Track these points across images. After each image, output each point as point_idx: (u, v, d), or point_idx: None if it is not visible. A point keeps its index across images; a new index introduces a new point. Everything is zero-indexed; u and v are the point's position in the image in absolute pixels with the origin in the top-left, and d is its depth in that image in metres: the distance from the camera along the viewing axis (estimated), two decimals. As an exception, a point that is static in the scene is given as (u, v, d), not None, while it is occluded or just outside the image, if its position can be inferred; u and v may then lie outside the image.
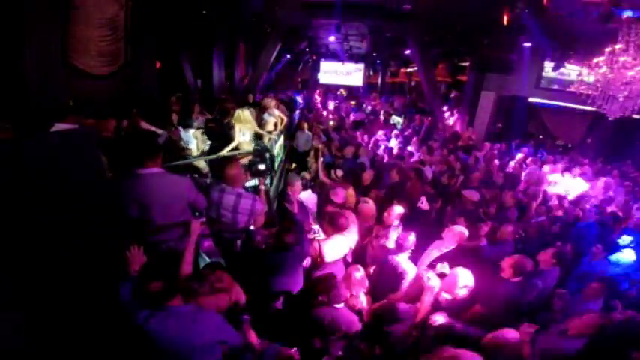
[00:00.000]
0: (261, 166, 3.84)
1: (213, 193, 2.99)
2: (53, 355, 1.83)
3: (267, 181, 5.07)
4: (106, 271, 2.04)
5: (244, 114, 6.00)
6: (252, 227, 3.15)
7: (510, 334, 2.28)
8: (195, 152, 5.46)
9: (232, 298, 2.16)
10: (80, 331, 1.86)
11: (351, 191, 4.32)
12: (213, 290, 2.02)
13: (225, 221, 3.02)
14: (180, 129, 5.52)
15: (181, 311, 1.84)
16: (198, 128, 5.62)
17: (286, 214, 3.72)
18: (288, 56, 15.42)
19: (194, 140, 5.44)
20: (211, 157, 5.49)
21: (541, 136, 10.78)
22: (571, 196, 5.92)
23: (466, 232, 3.61)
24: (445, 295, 2.84)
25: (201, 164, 5.58)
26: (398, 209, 3.80)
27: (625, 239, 4.29)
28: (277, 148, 6.51)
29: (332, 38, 12.15)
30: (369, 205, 3.94)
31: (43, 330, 1.75)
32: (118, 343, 1.88)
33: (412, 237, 3.16)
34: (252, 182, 4.81)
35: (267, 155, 5.04)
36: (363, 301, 2.95)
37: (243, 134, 5.79)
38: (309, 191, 4.32)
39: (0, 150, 1.72)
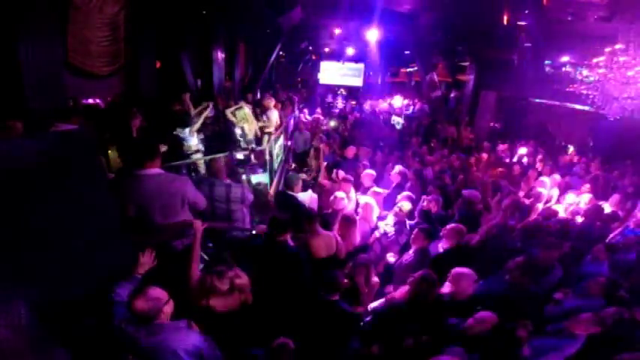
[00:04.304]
0: (239, 155, 4.03)
1: (203, 187, 3.03)
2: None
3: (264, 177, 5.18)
4: (104, 271, 2.03)
5: (247, 111, 6.22)
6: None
7: None
8: (193, 149, 5.50)
9: (243, 298, 2.01)
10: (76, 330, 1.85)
11: (352, 192, 4.33)
12: (233, 288, 1.90)
13: (221, 213, 3.07)
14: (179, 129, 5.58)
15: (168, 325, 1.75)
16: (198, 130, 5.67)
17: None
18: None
19: (192, 137, 5.48)
20: (213, 156, 5.52)
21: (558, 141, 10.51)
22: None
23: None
24: None
25: (199, 162, 5.62)
26: None
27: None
28: (277, 148, 6.50)
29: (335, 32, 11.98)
30: (371, 204, 3.96)
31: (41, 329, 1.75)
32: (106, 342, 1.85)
33: None
34: (260, 176, 4.98)
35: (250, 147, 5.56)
36: None
37: (241, 129, 5.93)
38: (310, 191, 4.32)
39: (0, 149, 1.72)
